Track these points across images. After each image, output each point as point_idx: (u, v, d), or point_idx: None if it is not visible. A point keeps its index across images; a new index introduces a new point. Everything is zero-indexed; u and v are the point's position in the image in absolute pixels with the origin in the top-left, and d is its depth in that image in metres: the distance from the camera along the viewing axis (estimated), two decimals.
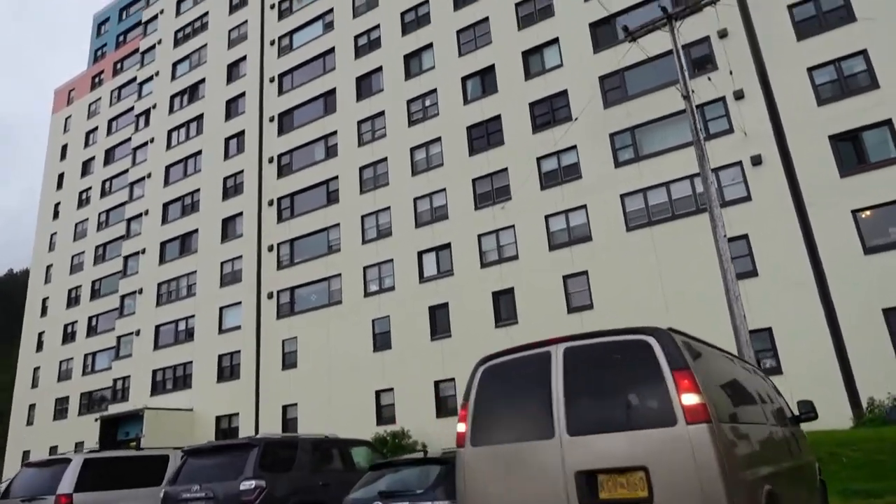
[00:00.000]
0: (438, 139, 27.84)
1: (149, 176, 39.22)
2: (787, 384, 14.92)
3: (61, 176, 48.31)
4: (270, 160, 33.33)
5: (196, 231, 35.39)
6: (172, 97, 40.20)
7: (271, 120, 34.16)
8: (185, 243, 35.89)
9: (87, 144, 47.54)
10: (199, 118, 38.02)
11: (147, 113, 41.44)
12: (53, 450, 37.77)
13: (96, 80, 49.50)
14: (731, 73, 20.14)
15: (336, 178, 30.61)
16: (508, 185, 25.28)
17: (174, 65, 41.00)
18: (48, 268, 45.83)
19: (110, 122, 46.45)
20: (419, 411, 24.53)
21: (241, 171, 34.49)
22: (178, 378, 33.14)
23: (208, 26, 39.81)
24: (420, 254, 26.78)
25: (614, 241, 22.34)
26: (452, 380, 24.35)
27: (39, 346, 43.74)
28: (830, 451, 12.54)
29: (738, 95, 21.02)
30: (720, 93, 21.08)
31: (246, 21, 37.69)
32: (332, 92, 32.35)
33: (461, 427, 4.99)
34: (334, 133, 31.52)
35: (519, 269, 24.06)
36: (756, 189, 20.27)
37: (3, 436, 44.04)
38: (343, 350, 27.39)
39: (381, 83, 30.62)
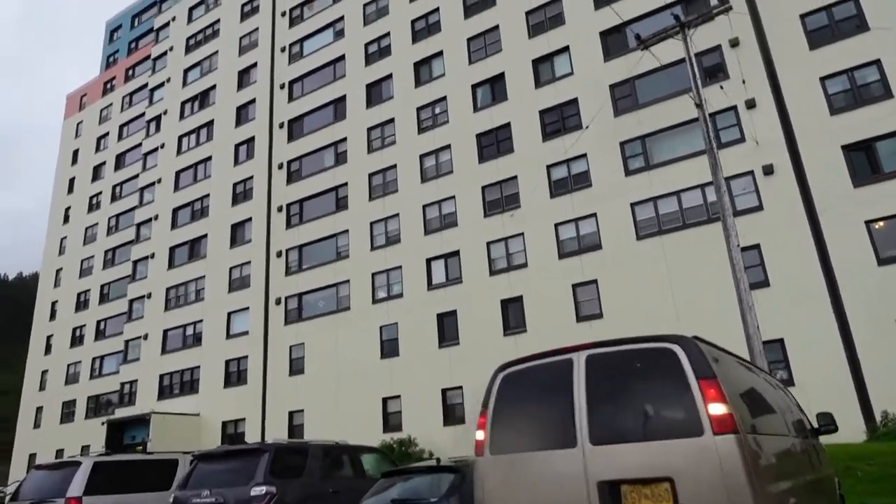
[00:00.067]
0: (448, 146, 27.85)
1: (159, 181, 39.44)
2: (799, 396, 14.68)
3: (72, 180, 48.65)
4: (280, 166, 33.45)
5: (205, 236, 35.50)
6: (183, 103, 40.46)
7: (281, 126, 34.30)
8: (194, 248, 36.01)
9: (98, 149, 47.88)
10: (210, 124, 38.23)
11: (158, 119, 41.72)
12: (60, 453, 37.78)
13: (108, 85, 49.91)
14: (743, 81, 20.09)
15: (345, 184, 30.66)
16: (518, 192, 25.23)
17: (185, 71, 41.30)
18: (58, 271, 46.07)
19: (121, 127, 46.79)
20: (426, 419, 24.41)
21: (251, 177, 34.62)
22: (186, 383, 33.16)
23: (220, 33, 40.10)
24: (429, 261, 26.74)
25: (624, 249, 22.23)
26: (460, 388, 24.23)
27: (48, 350, 43.90)
28: (845, 464, 12.36)
29: (750, 104, 20.94)
30: (732, 102, 21.00)
31: (257, 28, 37.94)
32: (342, 99, 32.47)
33: (479, 435, 4.91)
34: (344, 140, 31.60)
35: (528, 278, 23.97)
36: (768, 198, 20.14)
37: (10, 438, 44.10)
38: (350, 356, 27.34)
39: (392, 90, 30.71)
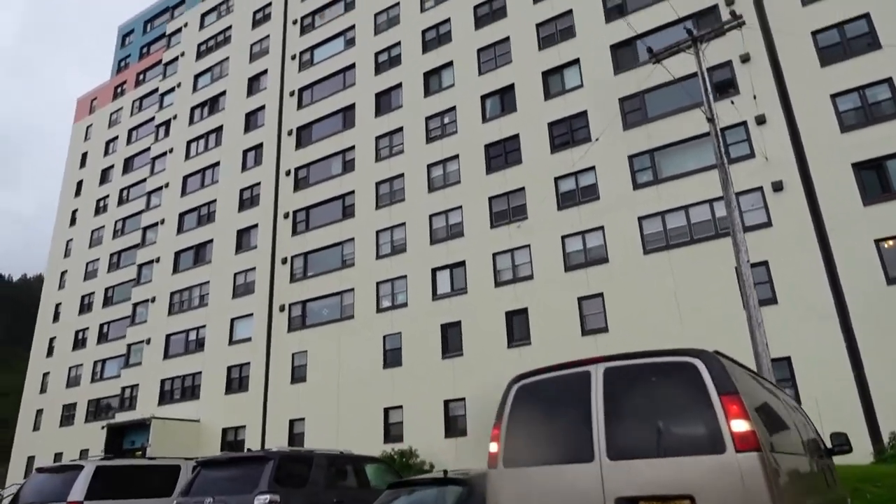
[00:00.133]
0: (456, 156, 27.86)
1: (166, 186, 39.56)
2: None
3: (80, 183, 48.85)
4: (287, 173, 33.51)
5: (211, 241, 35.53)
6: (193, 108, 40.66)
7: (290, 133, 34.41)
8: (200, 253, 36.03)
9: (106, 153, 48.12)
10: (219, 130, 38.39)
11: (167, 123, 41.93)
12: (58, 456, 37.64)
13: (118, 90, 50.24)
14: (754, 97, 20.05)
15: (352, 192, 30.68)
16: (525, 204, 25.19)
17: (196, 77, 41.55)
18: (62, 274, 46.15)
19: (130, 131, 47.03)
20: (428, 430, 24.23)
21: (258, 184, 34.69)
22: (187, 388, 33.05)
23: (231, 40, 40.37)
24: (434, 271, 26.67)
25: (631, 263, 22.13)
26: (462, 399, 24.06)
27: (50, 352, 43.88)
28: (853, 486, 12.17)
29: (760, 120, 20.90)
30: (742, 117, 20.96)
31: (268, 36, 38.19)
32: (352, 107, 32.58)
33: (493, 447, 4.82)
34: (352, 148, 31.67)
35: (533, 290, 23.86)
36: (777, 215, 20.04)
37: (9, 440, 43.97)
38: (353, 365, 27.21)
39: (401, 100, 30.80)
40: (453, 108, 28.79)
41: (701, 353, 4.25)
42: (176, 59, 43.62)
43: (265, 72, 37.34)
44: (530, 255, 24.42)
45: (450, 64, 29.73)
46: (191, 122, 40.33)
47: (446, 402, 24.43)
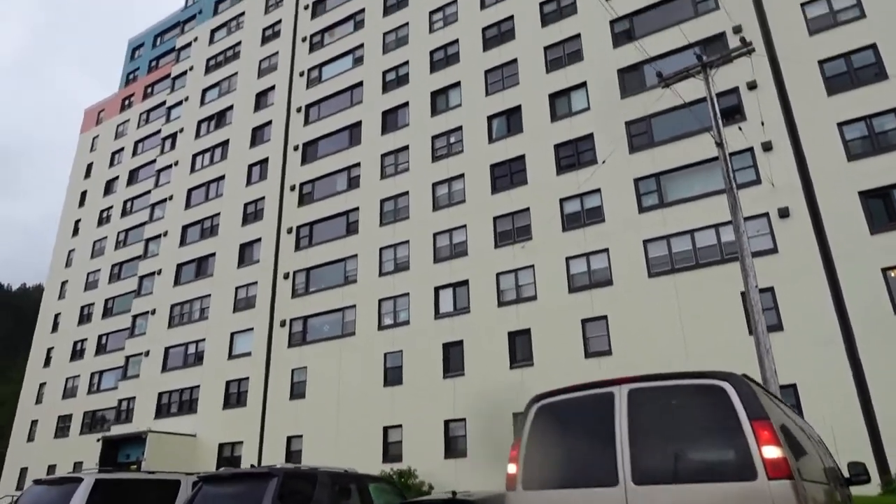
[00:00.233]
0: (461, 176, 27.92)
1: (170, 198, 39.61)
2: None
3: (84, 194, 48.95)
4: (292, 188, 33.57)
5: (213, 255, 35.47)
6: (200, 122, 40.88)
7: (296, 149, 34.54)
8: (202, 266, 35.94)
9: (112, 164, 48.29)
10: (225, 144, 38.55)
11: (174, 136, 42.12)
12: (52, 468, 37.18)
13: (126, 102, 50.58)
14: (762, 123, 20.15)
15: (356, 209, 30.70)
16: (530, 224, 25.18)
17: (204, 91, 41.84)
18: (63, 283, 46.02)
19: (136, 143, 47.25)
20: (427, 451, 23.94)
21: (262, 198, 34.73)
22: (184, 402, 32.74)
23: (240, 55, 40.74)
24: (437, 289, 26.57)
25: (636, 286, 22.05)
26: (463, 420, 23.82)
27: (47, 362, 43.56)
28: None
29: (767, 147, 20.97)
30: (748, 143, 21.04)
31: (277, 52, 38.53)
32: (358, 124, 32.74)
33: (511, 468, 4.69)
34: (357, 165, 31.76)
35: (537, 311, 23.75)
36: (783, 241, 20.02)
37: (2, 451, 43.45)
38: (353, 383, 26.99)
39: (407, 118, 30.96)
40: (460, 128, 28.92)
41: (730, 375, 4.16)
42: (184, 73, 43.97)
43: (273, 87, 37.61)
44: (534, 275, 24.34)
45: (457, 84, 29.94)
46: (197, 135, 40.52)
47: (447, 423, 24.18)
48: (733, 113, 21.95)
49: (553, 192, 25.06)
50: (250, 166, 36.31)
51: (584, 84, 26.13)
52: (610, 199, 23.74)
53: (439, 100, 30.43)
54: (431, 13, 32.38)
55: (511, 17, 29.39)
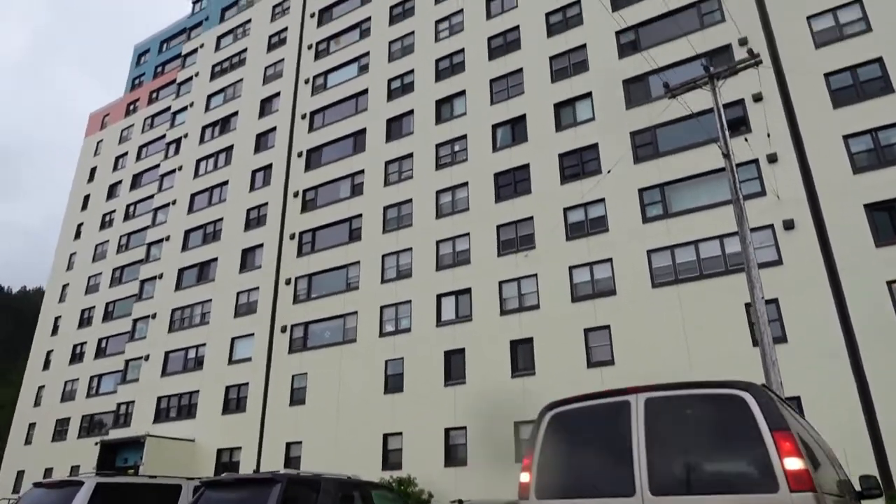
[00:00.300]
0: (465, 184, 27.92)
1: (173, 203, 39.62)
2: None
3: (87, 197, 49.00)
4: (295, 194, 33.58)
5: (215, 259, 35.43)
6: (204, 128, 40.96)
7: (300, 155, 34.58)
8: (203, 271, 35.90)
9: (115, 168, 48.39)
10: (229, 149, 38.61)
11: (178, 141, 42.20)
12: (49, 472, 36.99)
13: (131, 107, 50.75)
14: (768, 135, 20.17)
15: (360, 216, 30.68)
16: (533, 233, 25.15)
17: (209, 97, 41.96)
18: (64, 287, 45.96)
19: (140, 148, 47.36)
20: (427, 459, 23.80)
21: (266, 204, 34.74)
22: (183, 407, 32.58)
23: (245, 62, 40.89)
24: (439, 297, 26.49)
25: (639, 296, 21.98)
26: (464, 428, 23.69)
27: (46, 365, 43.43)
28: None
29: (772, 159, 20.97)
30: (753, 155, 21.03)
31: (283, 59, 38.67)
32: (363, 132, 32.80)
33: (524, 477, 4.61)
34: (361, 172, 31.78)
35: (539, 319, 23.66)
36: (787, 253, 19.97)
37: (0, 453, 43.22)
38: (353, 389, 26.86)
39: (412, 126, 31.01)
40: (464, 137, 28.96)
41: (750, 385, 4.09)
42: (190, 78, 44.12)
43: (278, 94, 37.71)
44: (537, 284, 24.28)
45: (462, 93, 30.01)
46: (201, 140, 40.59)
47: (447, 431, 24.04)
48: (738, 125, 21.96)
49: (557, 202, 25.05)
50: (254, 172, 36.35)
51: (589, 94, 26.18)
52: (614, 209, 23.72)
53: (444, 108, 30.49)
54: (437, 22, 32.52)
55: (517, 28, 29.51)
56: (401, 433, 25.05)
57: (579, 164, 25.36)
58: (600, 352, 22.11)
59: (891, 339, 17.63)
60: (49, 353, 43.74)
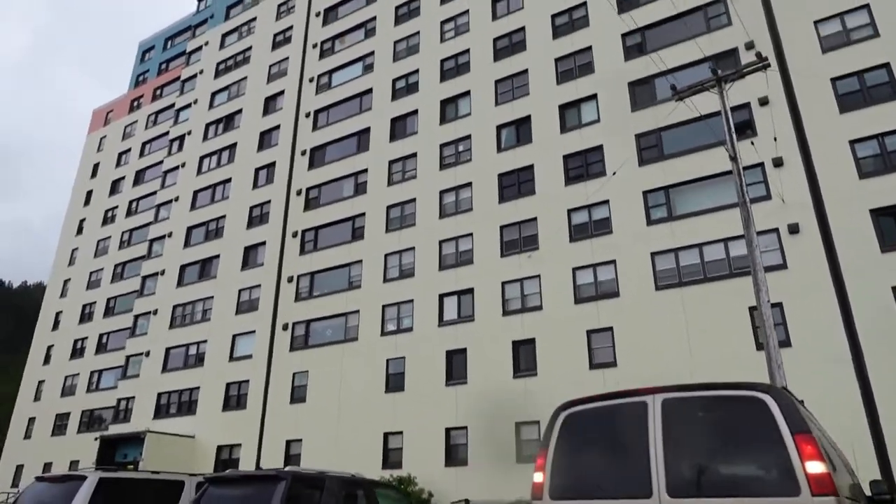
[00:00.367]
0: (469, 184, 27.88)
1: (176, 199, 39.61)
2: None
3: (89, 193, 49.01)
4: (299, 193, 33.55)
5: (217, 257, 35.41)
6: (208, 125, 40.95)
7: (303, 154, 34.56)
8: (205, 268, 35.87)
9: (118, 164, 48.39)
10: (232, 147, 38.59)
11: (181, 138, 42.19)
12: (48, 466, 36.96)
13: (135, 103, 50.76)
14: (775, 139, 20.11)
15: (363, 214, 30.65)
16: (537, 234, 25.10)
17: (213, 94, 41.95)
18: (65, 282, 45.96)
19: (144, 144, 47.36)
20: (428, 458, 23.75)
21: (269, 202, 34.71)
22: (184, 403, 32.56)
23: (250, 60, 40.88)
24: (441, 297, 26.45)
25: (643, 299, 21.93)
26: (464, 428, 23.64)
27: (47, 360, 43.43)
28: None
29: (778, 163, 20.92)
30: (759, 159, 20.98)
31: (287, 58, 38.65)
32: (367, 131, 32.77)
33: (538, 477, 4.55)
34: (364, 171, 31.75)
35: (542, 320, 23.62)
36: (792, 257, 19.92)
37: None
38: (354, 388, 26.82)
39: (416, 126, 30.98)
40: (468, 137, 28.92)
41: (770, 388, 4.04)
42: (194, 76, 44.11)
43: (282, 92, 37.69)
44: (540, 285, 24.23)
45: (467, 93, 29.97)
46: (205, 138, 40.57)
47: (448, 430, 23.99)
48: (744, 128, 21.91)
49: (561, 203, 25.01)
50: (257, 170, 36.33)
51: (594, 96, 26.13)
52: (618, 211, 23.67)
53: (448, 108, 30.46)
54: (443, 23, 32.49)
55: (522, 29, 29.48)
56: (401, 432, 25.00)
57: (584, 165, 25.32)
58: (603, 353, 22.06)
59: (895, 345, 17.56)
60: (49, 347, 43.73)
